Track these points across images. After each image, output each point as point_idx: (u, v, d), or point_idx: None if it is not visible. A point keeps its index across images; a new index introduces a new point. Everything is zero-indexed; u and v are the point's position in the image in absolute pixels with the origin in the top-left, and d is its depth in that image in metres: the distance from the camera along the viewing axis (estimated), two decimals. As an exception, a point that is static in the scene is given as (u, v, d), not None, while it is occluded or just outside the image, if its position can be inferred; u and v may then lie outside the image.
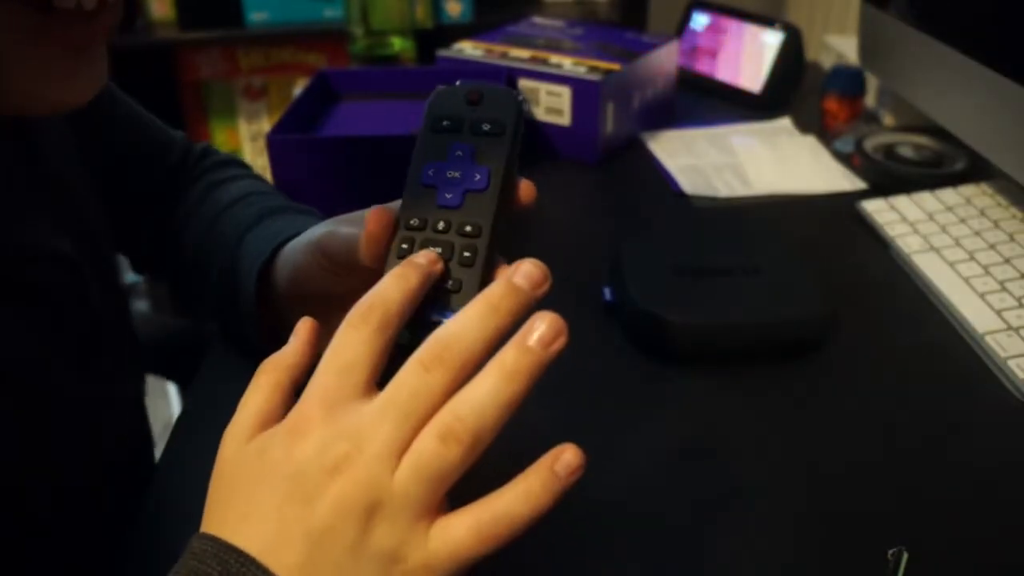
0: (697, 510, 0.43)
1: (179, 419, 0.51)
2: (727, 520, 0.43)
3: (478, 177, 0.36)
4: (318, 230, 0.45)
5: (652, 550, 0.41)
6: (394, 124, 0.77)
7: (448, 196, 0.36)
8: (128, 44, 1.43)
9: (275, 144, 0.66)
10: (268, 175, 0.68)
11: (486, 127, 0.37)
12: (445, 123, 0.38)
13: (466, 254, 0.35)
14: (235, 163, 0.64)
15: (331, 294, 0.44)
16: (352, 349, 0.31)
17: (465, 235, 0.36)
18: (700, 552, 0.41)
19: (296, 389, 0.32)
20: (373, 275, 0.34)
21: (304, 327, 0.35)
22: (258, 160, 1.68)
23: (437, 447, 0.29)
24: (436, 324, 0.33)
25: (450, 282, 0.35)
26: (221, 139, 1.66)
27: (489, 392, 0.30)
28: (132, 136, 0.60)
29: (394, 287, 0.32)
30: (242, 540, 0.29)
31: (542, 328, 0.31)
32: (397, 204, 0.38)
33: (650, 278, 0.56)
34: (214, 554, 0.29)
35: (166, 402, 1.66)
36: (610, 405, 0.51)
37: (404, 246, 0.36)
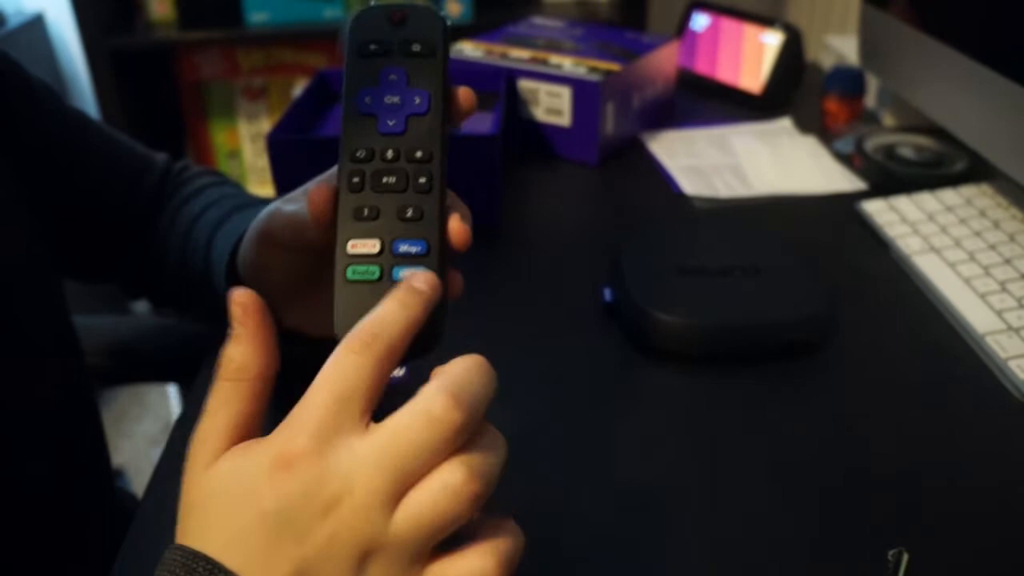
0: (697, 510, 0.43)
1: (178, 421, 0.51)
2: (726, 520, 0.43)
3: (418, 100, 0.35)
4: (260, 217, 0.44)
5: (651, 549, 0.41)
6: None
7: (391, 123, 0.35)
8: (128, 44, 1.43)
9: (275, 144, 0.66)
10: (268, 175, 0.68)
11: (416, 48, 0.36)
12: (372, 47, 0.36)
13: (421, 180, 0.35)
14: (206, 174, 0.64)
15: (297, 276, 0.43)
16: (352, 378, 0.29)
17: (417, 161, 0.35)
18: (700, 551, 0.41)
19: (266, 383, 0.31)
20: (329, 249, 0.34)
21: (244, 308, 0.32)
22: (258, 160, 1.67)
23: (446, 501, 0.28)
24: (407, 255, 0.34)
25: (410, 210, 0.34)
26: (221, 139, 1.65)
27: (498, 449, 0.30)
28: (108, 167, 0.59)
29: (398, 315, 0.30)
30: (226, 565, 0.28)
31: None
32: (335, 174, 0.36)
33: (650, 278, 0.56)
34: (182, 563, 0.28)
35: (166, 403, 1.66)
36: (610, 405, 0.51)
37: (355, 179, 0.35)
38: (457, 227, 0.35)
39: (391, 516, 0.28)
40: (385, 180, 0.35)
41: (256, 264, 0.45)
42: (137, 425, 1.65)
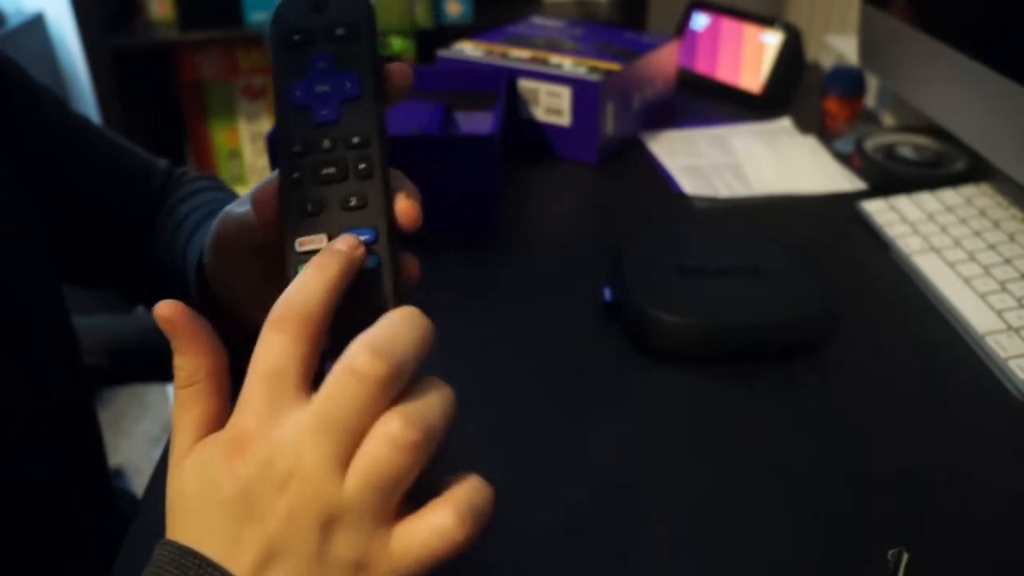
0: (696, 510, 0.43)
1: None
2: (726, 520, 0.43)
3: (349, 85, 0.35)
4: (215, 222, 0.43)
5: (651, 549, 0.41)
6: (393, 124, 0.76)
7: (324, 112, 0.35)
8: (128, 44, 1.43)
9: (275, 144, 0.66)
10: (268, 175, 0.68)
11: (340, 31, 0.35)
12: (296, 37, 0.35)
13: (362, 166, 0.34)
14: (200, 179, 0.64)
15: (256, 276, 0.42)
16: (275, 354, 0.29)
17: (354, 147, 0.34)
18: (699, 551, 0.41)
19: (219, 377, 0.32)
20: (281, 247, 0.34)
21: (168, 322, 0.32)
22: (258, 160, 1.67)
23: (388, 454, 0.28)
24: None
25: (354, 199, 0.34)
26: (221, 139, 1.65)
27: (437, 395, 0.30)
28: (110, 172, 0.59)
29: (314, 281, 0.30)
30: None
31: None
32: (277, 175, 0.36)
33: (650, 278, 0.56)
34: (171, 559, 0.28)
35: (166, 403, 1.66)
36: (609, 405, 0.51)
37: (295, 175, 0.34)
38: (405, 206, 0.34)
39: (342, 480, 0.28)
40: (325, 172, 0.34)
41: (215, 268, 0.45)
42: (137, 425, 1.65)
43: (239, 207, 0.41)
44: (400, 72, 0.36)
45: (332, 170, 0.34)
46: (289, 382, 0.29)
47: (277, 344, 0.29)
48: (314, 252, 0.33)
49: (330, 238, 0.33)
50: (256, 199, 0.36)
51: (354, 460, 0.28)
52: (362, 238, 0.33)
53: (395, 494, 0.29)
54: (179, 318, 0.32)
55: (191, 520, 0.30)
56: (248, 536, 0.28)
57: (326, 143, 0.34)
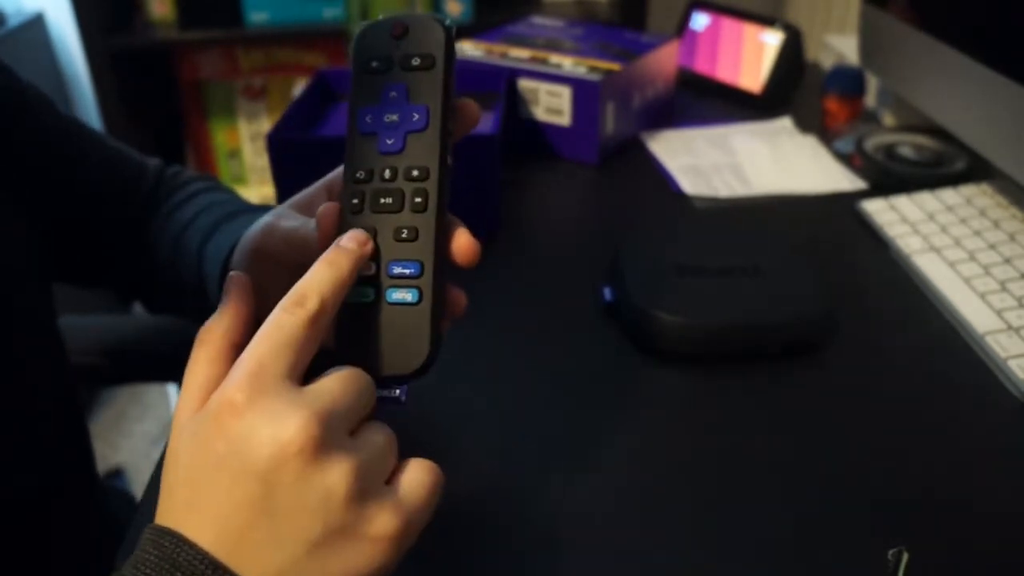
0: (696, 510, 0.43)
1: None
2: (726, 520, 0.43)
3: (416, 117, 0.35)
4: (253, 232, 0.44)
5: (651, 548, 0.41)
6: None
7: (389, 141, 0.35)
8: (128, 44, 1.43)
9: (275, 144, 0.66)
10: (268, 175, 0.68)
11: (416, 61, 0.35)
12: (374, 64, 0.36)
13: (417, 200, 0.34)
14: (198, 179, 0.63)
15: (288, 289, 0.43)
16: (284, 332, 0.31)
17: (413, 179, 0.35)
18: (699, 551, 0.41)
19: (238, 351, 0.32)
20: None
21: (233, 284, 0.35)
22: (258, 160, 1.67)
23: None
24: (400, 277, 0.34)
25: (405, 231, 0.34)
26: (221, 139, 1.65)
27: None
28: (102, 174, 0.59)
29: (327, 276, 0.32)
30: (193, 531, 0.29)
31: None
32: (328, 183, 0.37)
33: (650, 278, 0.56)
34: (152, 540, 0.29)
35: (166, 403, 1.66)
36: (610, 404, 0.51)
37: (355, 201, 0.35)
38: (466, 243, 0.36)
39: (355, 437, 0.31)
40: (382, 201, 0.35)
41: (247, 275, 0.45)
42: (137, 425, 1.65)
43: (287, 221, 0.41)
44: (469, 109, 0.37)
45: (389, 200, 0.35)
46: (290, 359, 0.31)
47: (289, 325, 0.31)
48: (368, 277, 0.34)
49: (378, 266, 0.34)
50: (320, 220, 0.36)
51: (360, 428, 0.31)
52: (406, 271, 0.34)
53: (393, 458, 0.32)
54: (234, 285, 0.35)
55: (180, 488, 0.30)
56: (243, 497, 0.29)
57: (387, 172, 0.35)
